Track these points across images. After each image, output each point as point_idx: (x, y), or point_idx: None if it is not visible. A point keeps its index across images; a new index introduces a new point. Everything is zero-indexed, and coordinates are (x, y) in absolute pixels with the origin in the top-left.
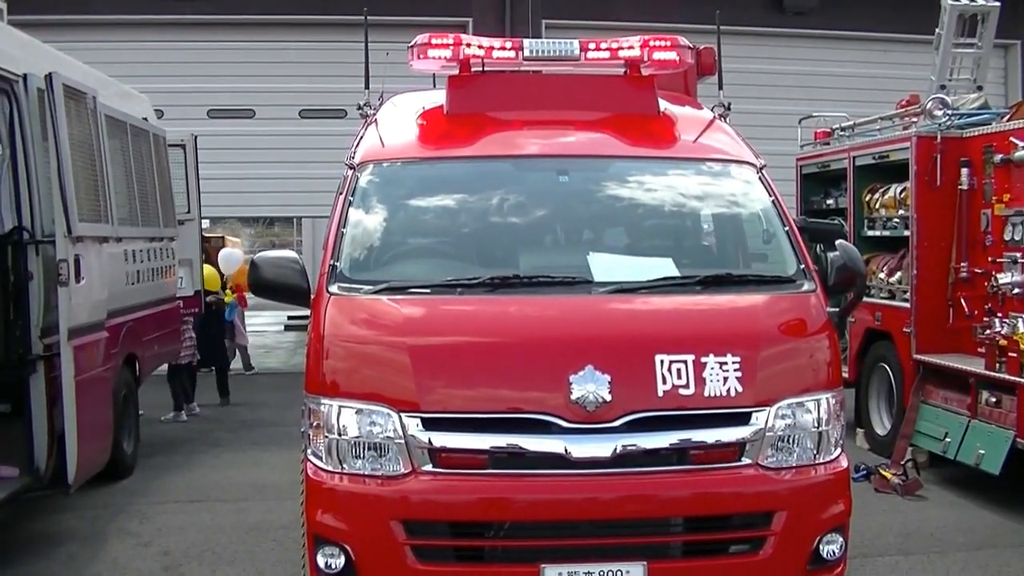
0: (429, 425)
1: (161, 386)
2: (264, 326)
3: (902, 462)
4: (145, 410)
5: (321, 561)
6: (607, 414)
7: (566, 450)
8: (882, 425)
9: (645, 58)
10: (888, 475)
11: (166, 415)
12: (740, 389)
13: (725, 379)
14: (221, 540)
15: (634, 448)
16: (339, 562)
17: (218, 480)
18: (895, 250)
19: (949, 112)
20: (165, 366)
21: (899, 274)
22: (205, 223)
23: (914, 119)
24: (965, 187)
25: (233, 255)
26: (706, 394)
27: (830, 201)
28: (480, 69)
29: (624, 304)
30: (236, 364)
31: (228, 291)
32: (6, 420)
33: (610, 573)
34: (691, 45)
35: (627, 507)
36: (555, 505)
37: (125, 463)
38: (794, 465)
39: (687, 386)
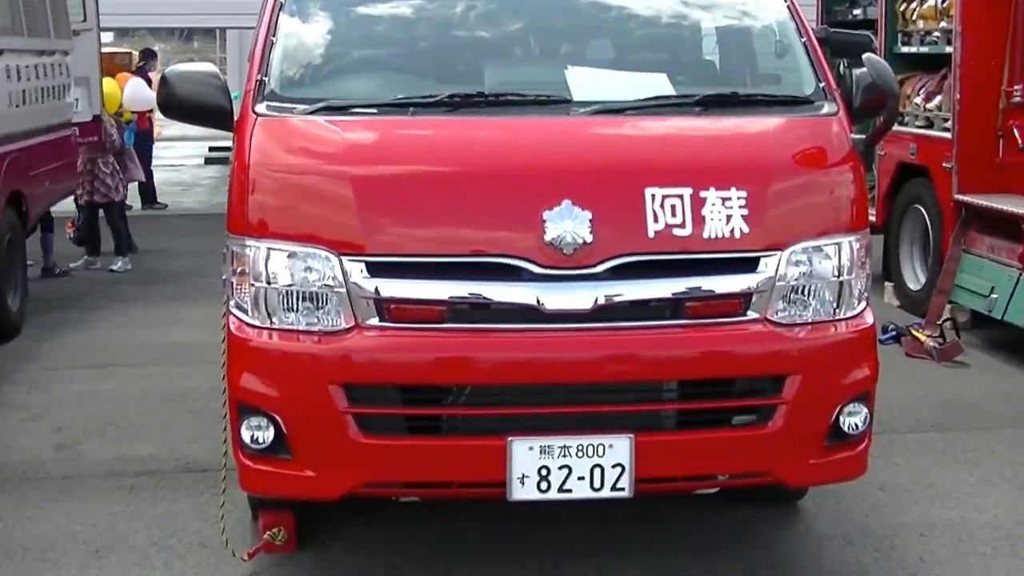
0: (375, 271)
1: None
2: (180, 159)
3: (939, 322)
4: (34, 260)
5: (246, 434)
6: (587, 258)
7: (538, 300)
8: (915, 279)
9: None
10: (922, 337)
11: (114, 263)
12: (746, 229)
13: (728, 217)
14: (127, 412)
15: (619, 299)
16: (268, 435)
17: (124, 341)
18: (935, 70)
19: None
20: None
21: (939, 98)
22: (107, 36)
23: None
24: None
25: (141, 91)
26: (705, 235)
27: (857, 11)
28: None
29: (609, 127)
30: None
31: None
32: None
33: (590, 447)
34: None
35: (611, 369)
36: (525, 366)
37: (10, 321)
38: (810, 321)
39: (683, 225)
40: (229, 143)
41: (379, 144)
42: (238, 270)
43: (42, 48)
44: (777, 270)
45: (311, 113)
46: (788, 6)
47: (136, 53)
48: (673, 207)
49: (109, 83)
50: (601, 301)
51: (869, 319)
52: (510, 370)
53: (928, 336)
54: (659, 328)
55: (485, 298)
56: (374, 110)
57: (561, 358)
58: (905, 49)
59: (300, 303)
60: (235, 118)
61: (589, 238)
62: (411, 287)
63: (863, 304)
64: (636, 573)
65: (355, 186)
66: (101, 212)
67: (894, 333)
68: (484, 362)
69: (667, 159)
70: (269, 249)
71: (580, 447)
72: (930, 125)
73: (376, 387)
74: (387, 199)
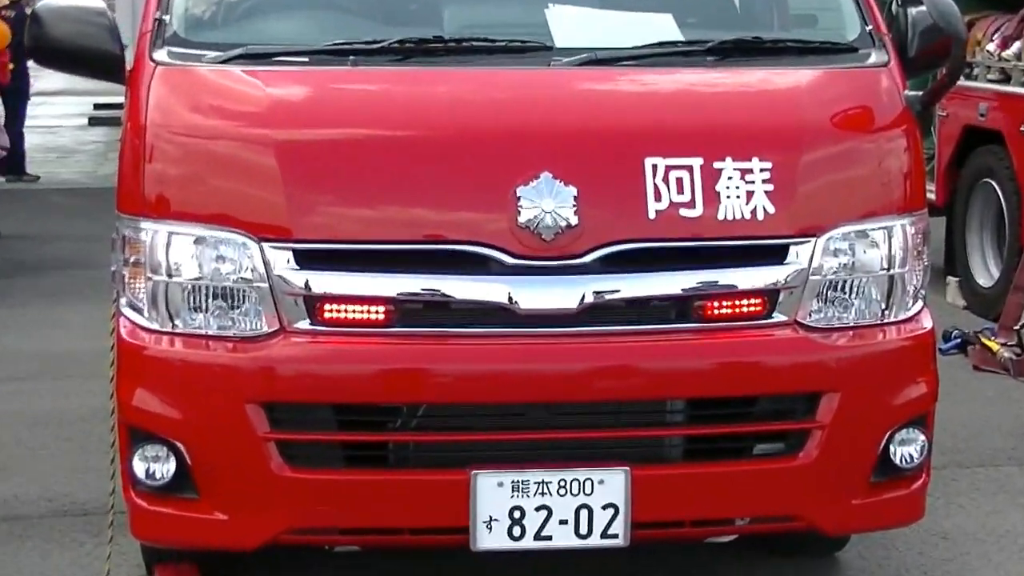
0: (306, 260)
1: None
2: (57, 119)
3: (1016, 327)
4: None
5: (140, 467)
6: (572, 245)
7: (511, 298)
8: (986, 272)
9: None
10: (995, 346)
11: None
12: (772, 210)
13: (749, 195)
14: None
15: (612, 296)
16: (167, 468)
17: None
18: (1013, 8)
19: None
20: None
21: (1017, 45)
22: None
23: None
24: None
25: None
26: (720, 217)
27: None
28: None
29: (599, 82)
30: None
31: None
32: None
33: (575, 483)
34: None
35: (601, 384)
36: (494, 381)
37: None
38: (852, 325)
39: (692, 204)
40: (120, 99)
41: (311, 102)
42: (131, 259)
43: None
44: (811, 261)
45: (225, 62)
46: None
47: None
48: (680, 182)
49: None
50: (589, 299)
51: (927, 323)
52: (475, 386)
53: (1003, 345)
54: (662, 333)
55: (443, 295)
56: (304, 59)
57: (539, 371)
58: None
59: (210, 301)
60: (127, 67)
61: (574, 220)
62: (350, 281)
63: (919, 304)
64: None
65: (280, 154)
66: None
67: (959, 341)
68: (442, 376)
69: (672, 122)
70: (171, 233)
71: (563, 483)
72: (1006, 79)
73: (306, 407)
74: (320, 171)
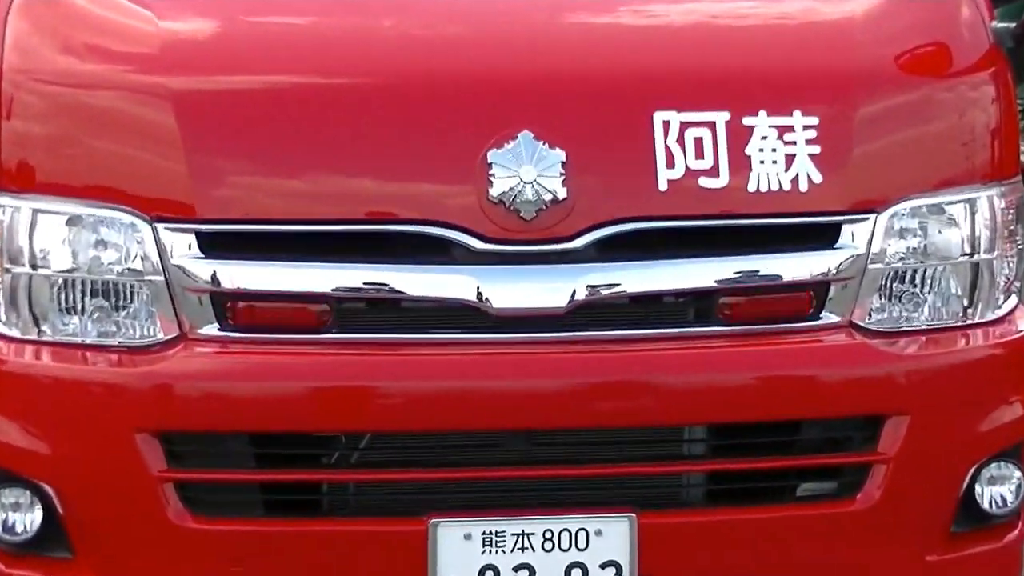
0: (213, 246)
1: None
2: None
3: None
4: None
5: None
6: (560, 226)
7: (480, 294)
8: None
9: None
10: None
11: None
12: (819, 179)
13: (790, 159)
14: None
15: (612, 291)
16: (32, 519)
17: None
18: None
19: None
20: None
21: None
22: None
23: None
24: None
25: None
26: (752, 188)
27: None
28: None
29: (594, 13)
30: None
31: None
32: None
33: (565, 535)
34: None
35: (597, 407)
36: (458, 403)
37: None
38: (924, 328)
39: (715, 172)
40: None
41: (219, 39)
42: None
43: None
44: (870, 245)
45: None
46: None
47: None
48: (699, 143)
49: None
50: (582, 295)
51: (1023, 325)
52: (434, 409)
53: None
54: (677, 340)
55: (393, 290)
56: None
57: (517, 389)
58: None
59: (88, 300)
60: None
61: (562, 193)
62: (272, 273)
63: (1012, 300)
64: None
65: (179, 108)
66: None
67: None
68: (392, 396)
69: (690, 65)
70: (35, 211)
71: (549, 535)
72: None
73: (214, 438)
74: (232, 130)
